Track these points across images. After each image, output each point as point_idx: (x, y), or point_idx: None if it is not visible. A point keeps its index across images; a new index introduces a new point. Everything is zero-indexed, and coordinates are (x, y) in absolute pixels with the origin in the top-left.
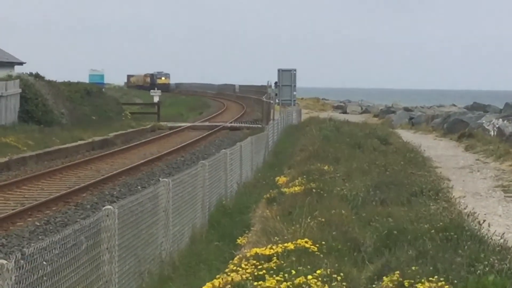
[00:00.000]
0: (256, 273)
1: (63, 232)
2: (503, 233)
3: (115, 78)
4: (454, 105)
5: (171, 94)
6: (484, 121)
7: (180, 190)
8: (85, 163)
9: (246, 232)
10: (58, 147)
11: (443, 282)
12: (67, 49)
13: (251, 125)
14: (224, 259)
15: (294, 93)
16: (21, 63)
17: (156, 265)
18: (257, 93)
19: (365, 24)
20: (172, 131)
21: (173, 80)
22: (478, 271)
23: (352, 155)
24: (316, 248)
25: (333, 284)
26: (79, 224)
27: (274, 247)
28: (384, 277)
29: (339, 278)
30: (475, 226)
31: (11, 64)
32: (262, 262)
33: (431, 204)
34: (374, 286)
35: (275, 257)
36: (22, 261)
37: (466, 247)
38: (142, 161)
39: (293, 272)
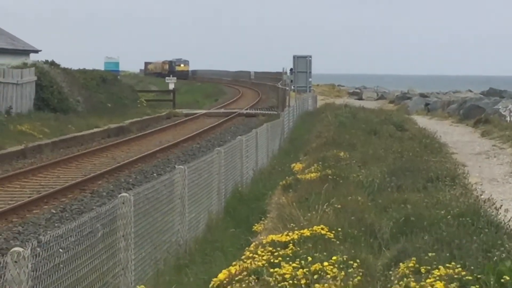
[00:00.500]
0: (272, 260)
1: (79, 220)
2: None
3: (130, 65)
4: (470, 91)
5: (187, 81)
6: (500, 107)
7: (196, 177)
8: (100, 150)
9: (262, 219)
10: (73, 134)
11: (460, 269)
12: (83, 37)
13: (266, 112)
14: (240, 246)
15: (310, 79)
16: (36, 51)
17: (172, 252)
18: (272, 80)
19: (381, 10)
20: (187, 118)
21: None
22: (495, 257)
23: (368, 142)
24: (332, 234)
25: (349, 270)
26: (95, 211)
27: (290, 234)
28: (401, 264)
29: (355, 264)
30: (492, 212)
31: (26, 52)
32: (278, 249)
33: (448, 190)
34: (390, 272)
35: (291, 244)
36: (38, 249)
37: (482, 233)
38: (158, 148)
39: (309, 259)
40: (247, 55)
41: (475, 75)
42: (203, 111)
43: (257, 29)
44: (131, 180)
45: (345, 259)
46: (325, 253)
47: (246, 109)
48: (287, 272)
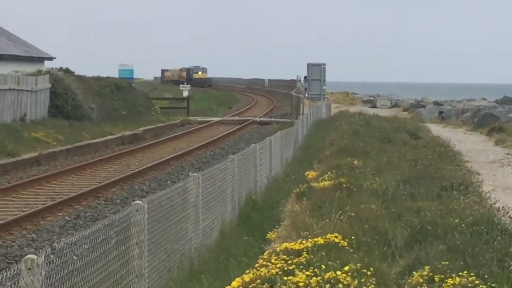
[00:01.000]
0: (286, 268)
1: (93, 227)
2: None
3: (144, 73)
4: (484, 99)
5: (201, 88)
6: None
7: (209, 185)
8: (114, 157)
9: (276, 226)
10: (87, 141)
11: (474, 277)
12: (97, 45)
13: (280, 120)
14: (254, 254)
15: (324, 87)
16: (51, 58)
17: (185, 260)
18: (286, 88)
19: (395, 18)
20: (201, 125)
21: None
22: (510, 266)
23: (381, 150)
24: (346, 243)
25: (363, 279)
26: (109, 219)
27: (304, 242)
28: (414, 272)
29: (369, 273)
30: (506, 220)
31: (41, 59)
32: (292, 257)
33: (461, 199)
34: (404, 281)
35: (305, 252)
36: (52, 256)
37: (496, 242)
38: (172, 155)
39: (323, 267)
40: (261, 63)
41: (490, 83)
42: (217, 119)
43: (271, 37)
44: (145, 187)
45: (358, 267)
46: (338, 261)
47: (260, 117)
48: (301, 280)
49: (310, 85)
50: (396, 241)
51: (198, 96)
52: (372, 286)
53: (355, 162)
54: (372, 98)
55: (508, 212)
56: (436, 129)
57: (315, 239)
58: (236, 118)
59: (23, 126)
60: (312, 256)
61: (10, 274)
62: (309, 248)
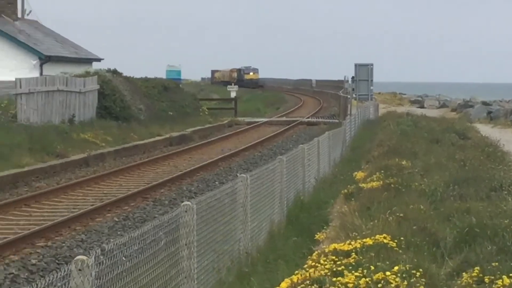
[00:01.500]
0: (334, 269)
1: (142, 228)
2: None
3: (192, 74)
4: None
5: (249, 89)
6: None
7: (258, 186)
8: (163, 158)
9: (324, 227)
10: (136, 143)
11: None
12: (145, 45)
13: (328, 120)
14: (303, 254)
15: (371, 87)
16: (99, 59)
17: (234, 260)
18: (334, 88)
19: (443, 18)
20: (249, 126)
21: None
22: None
23: (430, 150)
24: (394, 243)
25: (412, 280)
26: (158, 220)
27: (352, 242)
28: (464, 273)
29: (418, 274)
30: None
31: (89, 61)
32: (341, 257)
33: (511, 199)
34: (453, 282)
35: (353, 253)
36: (102, 257)
37: None
38: (220, 156)
39: (372, 267)
40: (308, 63)
41: None
42: (265, 120)
43: (319, 37)
44: (193, 188)
45: (407, 268)
46: (387, 262)
47: (308, 117)
48: (350, 281)
49: (358, 85)
50: (445, 242)
51: (246, 97)
52: (422, 287)
53: (403, 162)
54: (419, 99)
55: None
56: (485, 129)
57: (364, 240)
58: (283, 118)
59: (72, 127)
60: (361, 257)
61: (60, 275)
62: (358, 249)
